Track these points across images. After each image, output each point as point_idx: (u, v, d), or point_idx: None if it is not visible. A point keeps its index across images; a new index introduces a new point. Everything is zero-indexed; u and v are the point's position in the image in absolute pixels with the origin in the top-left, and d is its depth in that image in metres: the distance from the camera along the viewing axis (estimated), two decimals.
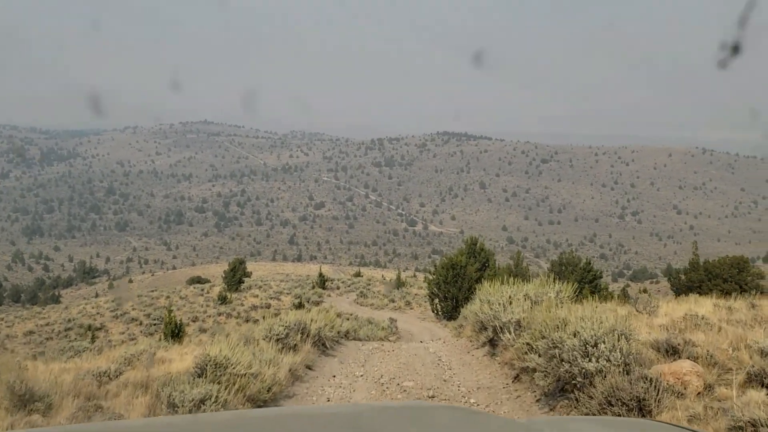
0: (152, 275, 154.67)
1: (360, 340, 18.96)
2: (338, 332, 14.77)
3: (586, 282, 36.11)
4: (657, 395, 5.70)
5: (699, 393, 5.91)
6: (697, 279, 45.24)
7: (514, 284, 12.41)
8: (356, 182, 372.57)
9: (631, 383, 5.87)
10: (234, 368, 8.18)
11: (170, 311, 24.41)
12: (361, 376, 11.04)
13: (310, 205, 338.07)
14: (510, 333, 9.92)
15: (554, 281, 12.35)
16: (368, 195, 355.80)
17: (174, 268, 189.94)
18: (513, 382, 9.18)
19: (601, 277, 44.18)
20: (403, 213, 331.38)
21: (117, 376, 8.22)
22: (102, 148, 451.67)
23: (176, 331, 23.64)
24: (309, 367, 11.32)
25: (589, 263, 42.62)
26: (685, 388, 5.99)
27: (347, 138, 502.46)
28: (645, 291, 56.92)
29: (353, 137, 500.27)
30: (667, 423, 3.10)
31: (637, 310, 11.15)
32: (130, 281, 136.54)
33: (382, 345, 15.19)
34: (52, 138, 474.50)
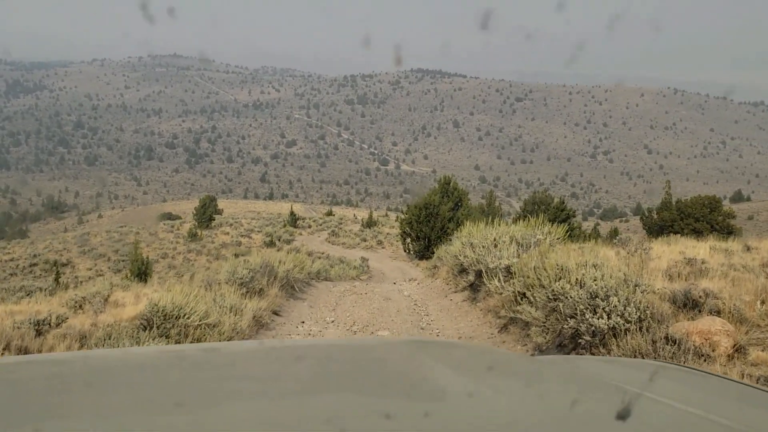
0: (122, 211, 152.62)
1: (331, 280, 18.36)
2: (308, 273, 13.97)
3: (560, 221, 35.75)
4: (684, 359, 4.92)
5: (729, 356, 5.05)
6: (670, 218, 45.34)
7: (499, 225, 11.23)
8: (328, 120, 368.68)
9: (654, 345, 5.05)
10: (187, 318, 7.27)
11: (137, 248, 23.63)
12: (332, 322, 10.18)
13: (281, 143, 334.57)
14: (499, 280, 8.82)
15: (543, 222, 11.20)
16: (340, 133, 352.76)
17: (145, 204, 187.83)
18: (499, 332, 8.36)
19: (574, 216, 44.02)
20: (376, 152, 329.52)
21: (59, 324, 7.41)
22: (69, 80, 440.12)
23: (143, 268, 22.92)
24: (276, 313, 10.35)
25: (563, 202, 42.35)
26: (713, 350, 5.13)
27: (319, 74, 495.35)
28: (616, 230, 56.99)
29: (325, 73, 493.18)
30: (676, 364, 2.89)
31: (628, 253, 10.37)
32: (100, 216, 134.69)
33: (354, 286, 14.36)
34: (17, 70, 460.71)
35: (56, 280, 28.65)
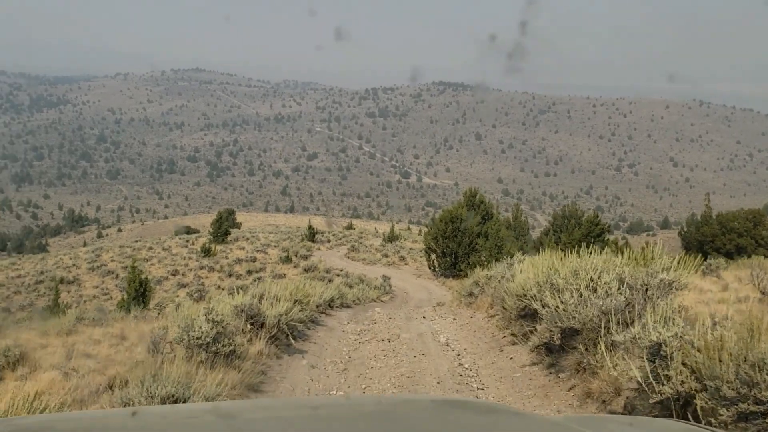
0: (142, 224, 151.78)
1: (348, 306, 16.11)
2: (317, 306, 11.43)
3: (594, 236, 33.37)
4: None
5: None
6: (710, 233, 42.70)
7: (597, 256, 7.32)
8: (350, 133, 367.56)
9: None
10: None
11: (134, 268, 21.56)
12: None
13: (302, 156, 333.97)
14: (641, 366, 4.80)
15: (661, 254, 7.14)
16: (362, 146, 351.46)
17: (166, 217, 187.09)
18: None
19: (609, 231, 41.53)
20: (397, 165, 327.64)
21: None
22: (93, 94, 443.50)
23: (140, 290, 20.90)
24: (254, 388, 7.01)
25: (597, 216, 39.88)
26: None
27: (341, 88, 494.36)
28: (648, 244, 54.35)
29: (347, 87, 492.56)
30: (706, 427, 2.52)
31: (762, 292, 7.43)
32: (120, 230, 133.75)
33: (374, 322, 11.63)
34: (41, 84, 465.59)
35: (55, 300, 26.72)
